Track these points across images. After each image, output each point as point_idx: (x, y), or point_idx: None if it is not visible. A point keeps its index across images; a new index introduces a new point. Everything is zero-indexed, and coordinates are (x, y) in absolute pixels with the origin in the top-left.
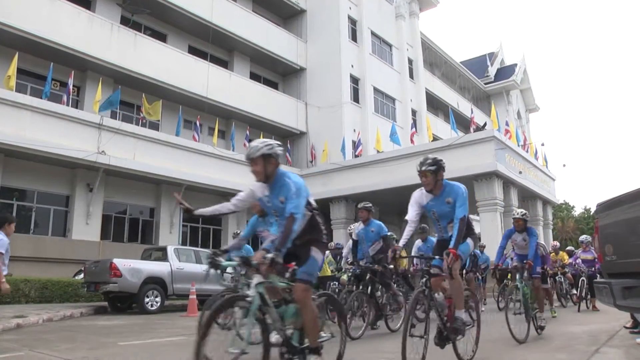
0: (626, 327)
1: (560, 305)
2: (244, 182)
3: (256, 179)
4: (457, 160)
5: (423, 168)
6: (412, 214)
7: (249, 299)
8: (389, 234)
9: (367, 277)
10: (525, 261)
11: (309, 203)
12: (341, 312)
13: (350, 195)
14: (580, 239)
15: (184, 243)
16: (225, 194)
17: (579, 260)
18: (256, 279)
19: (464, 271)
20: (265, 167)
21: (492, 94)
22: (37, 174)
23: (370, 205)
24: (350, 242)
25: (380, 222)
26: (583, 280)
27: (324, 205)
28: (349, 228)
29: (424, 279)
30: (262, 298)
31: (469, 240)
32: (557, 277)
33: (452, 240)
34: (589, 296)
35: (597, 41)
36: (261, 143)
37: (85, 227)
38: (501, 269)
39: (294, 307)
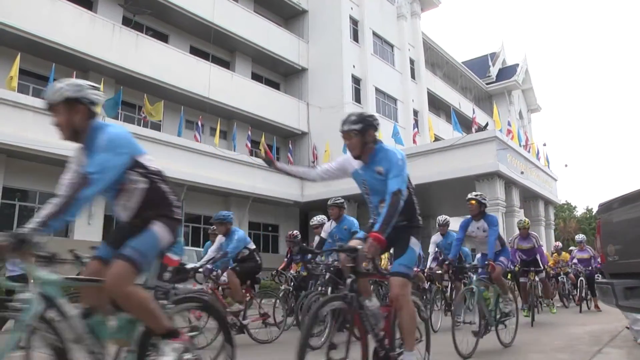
0: (628, 328)
1: (562, 305)
2: (247, 183)
3: (61, 137)
4: (458, 161)
5: (345, 127)
6: (324, 166)
7: (20, 304)
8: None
9: (327, 277)
10: (486, 261)
11: (140, 165)
12: (219, 316)
13: (353, 196)
14: (576, 238)
15: (185, 243)
16: (227, 194)
17: (575, 260)
18: (40, 273)
19: (448, 268)
20: (70, 118)
21: (493, 94)
22: (39, 174)
23: (342, 201)
24: (317, 239)
25: (353, 219)
26: (582, 280)
27: (326, 206)
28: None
29: (349, 280)
30: (53, 303)
31: (413, 242)
32: (559, 278)
33: (378, 222)
34: (589, 296)
35: (599, 41)
36: (65, 83)
37: (87, 228)
38: (458, 267)
39: (124, 319)
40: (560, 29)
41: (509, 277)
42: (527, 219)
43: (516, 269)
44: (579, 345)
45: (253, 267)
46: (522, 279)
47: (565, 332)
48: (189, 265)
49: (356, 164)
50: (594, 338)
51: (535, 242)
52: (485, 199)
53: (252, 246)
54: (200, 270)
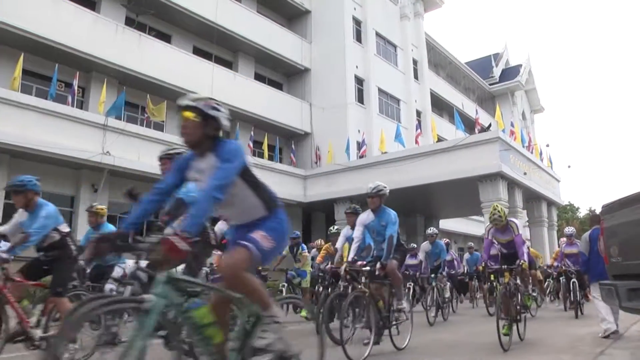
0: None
1: (564, 308)
2: None
3: None
4: (461, 161)
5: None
6: None
7: None
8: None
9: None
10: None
11: None
12: None
13: (355, 196)
14: (565, 231)
15: None
16: None
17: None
18: None
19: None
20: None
21: (496, 94)
22: (42, 174)
23: (178, 151)
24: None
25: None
26: (574, 282)
27: (329, 206)
28: None
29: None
30: None
31: None
32: (561, 278)
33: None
34: (582, 300)
35: (602, 41)
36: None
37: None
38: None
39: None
40: (563, 30)
41: (492, 277)
42: (499, 206)
43: (481, 268)
44: (581, 346)
45: (65, 260)
46: (502, 280)
47: (568, 333)
48: None
49: None
50: (597, 339)
51: (514, 230)
52: (218, 107)
53: (66, 229)
54: None
